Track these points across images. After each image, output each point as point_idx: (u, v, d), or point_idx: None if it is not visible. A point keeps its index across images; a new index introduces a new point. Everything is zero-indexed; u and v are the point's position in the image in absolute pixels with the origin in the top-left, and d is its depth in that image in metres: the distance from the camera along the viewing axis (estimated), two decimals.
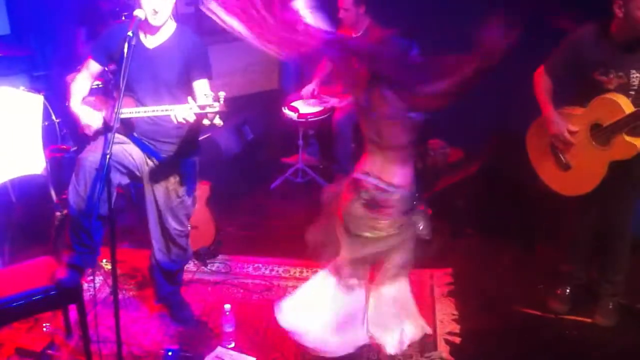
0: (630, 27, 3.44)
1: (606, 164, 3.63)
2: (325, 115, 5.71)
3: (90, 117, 3.53)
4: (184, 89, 3.48)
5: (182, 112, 3.13)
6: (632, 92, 3.53)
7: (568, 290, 4.18)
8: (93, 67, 3.65)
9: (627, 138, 3.55)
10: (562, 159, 3.85)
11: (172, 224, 3.78)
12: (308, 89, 5.92)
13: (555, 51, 3.78)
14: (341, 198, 3.35)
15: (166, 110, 3.25)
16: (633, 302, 4.15)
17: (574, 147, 3.78)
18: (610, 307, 4.03)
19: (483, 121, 5.54)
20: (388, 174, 3.18)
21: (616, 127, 3.56)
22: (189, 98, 3.15)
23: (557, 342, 3.90)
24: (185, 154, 3.70)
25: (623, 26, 3.48)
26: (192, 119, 3.12)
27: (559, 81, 3.80)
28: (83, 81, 3.65)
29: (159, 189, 3.72)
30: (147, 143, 3.62)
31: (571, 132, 3.75)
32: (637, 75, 3.50)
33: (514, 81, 4.18)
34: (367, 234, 3.24)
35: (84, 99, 3.61)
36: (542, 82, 3.82)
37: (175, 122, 3.18)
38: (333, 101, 5.74)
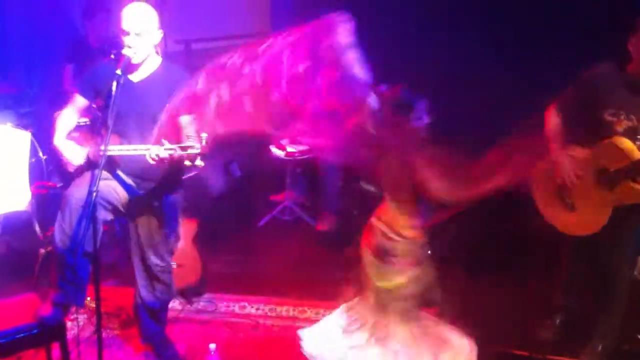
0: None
1: (610, 207, 3.63)
2: (313, 154, 5.72)
3: (73, 153, 3.53)
4: (171, 123, 3.47)
5: (158, 152, 3.13)
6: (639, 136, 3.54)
7: (558, 321, 4.19)
8: (79, 102, 3.65)
9: (632, 184, 3.55)
10: (568, 200, 3.83)
11: (154, 260, 3.76)
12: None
13: (568, 90, 3.80)
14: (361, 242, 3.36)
15: (146, 149, 3.25)
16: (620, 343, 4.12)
17: (580, 190, 3.76)
18: (599, 349, 3.97)
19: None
20: (398, 224, 3.19)
21: (622, 173, 3.56)
22: (163, 140, 3.15)
23: None
24: (168, 190, 3.69)
25: (637, 66, 3.50)
26: (166, 159, 3.13)
27: (569, 119, 3.80)
28: (69, 116, 3.65)
29: (142, 225, 3.70)
30: (129, 181, 3.61)
31: (578, 176, 3.75)
32: None
33: (510, 114, 4.22)
34: (377, 282, 3.23)
35: (68, 134, 3.60)
36: (552, 120, 3.81)
37: (150, 161, 3.17)
38: (318, 142, 5.75)
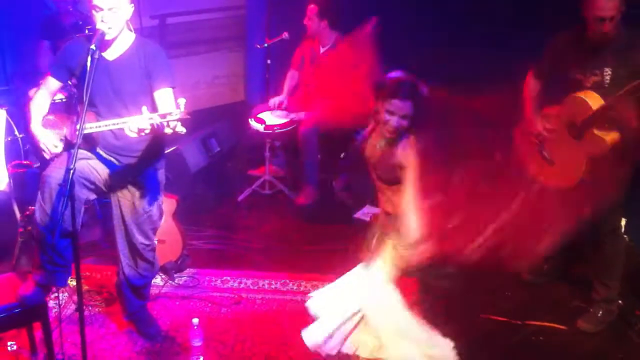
0: (597, 33, 3.65)
1: (584, 159, 3.79)
2: (292, 127, 5.72)
3: (49, 142, 3.50)
4: (147, 100, 3.44)
5: (138, 124, 3.11)
6: (605, 88, 3.71)
7: (545, 267, 4.48)
8: (52, 84, 3.60)
9: (597, 132, 3.72)
10: (545, 155, 4.03)
11: (139, 238, 3.76)
12: (275, 100, 5.93)
13: (542, 56, 4.02)
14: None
15: (124, 122, 3.20)
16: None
17: (554, 144, 3.98)
18: (599, 314, 4.10)
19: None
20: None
21: (587, 123, 3.74)
22: (144, 108, 3.11)
23: (522, 348, 3.95)
24: (149, 166, 3.68)
25: (595, 33, 3.67)
26: (147, 128, 3.11)
27: (546, 83, 4.04)
28: (42, 99, 3.58)
29: (125, 203, 3.70)
30: (110, 158, 3.59)
31: (549, 130, 3.97)
32: (609, 72, 3.69)
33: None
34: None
35: (44, 117, 3.56)
36: (530, 86, 4.08)
37: (130, 134, 3.15)
38: (300, 115, 5.75)
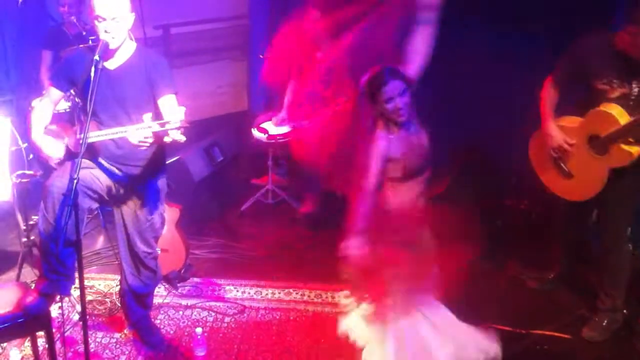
0: (634, 51, 3.57)
1: (606, 171, 3.78)
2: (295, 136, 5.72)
3: (53, 149, 3.50)
4: (149, 108, 3.46)
5: (140, 133, 3.12)
6: (632, 102, 3.66)
7: (551, 276, 4.48)
8: (54, 94, 3.59)
9: (623, 147, 3.69)
10: (564, 168, 4.00)
11: (141, 246, 3.76)
12: (278, 118, 5.92)
13: (561, 62, 3.94)
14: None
15: (125, 132, 3.22)
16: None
17: (574, 157, 3.93)
18: (605, 323, 4.09)
19: (450, 137, 5.61)
20: None
21: (612, 137, 3.70)
22: (145, 116, 3.13)
23: (526, 357, 3.93)
24: (151, 174, 3.69)
25: (628, 48, 3.59)
26: (149, 137, 3.12)
27: (565, 91, 3.97)
28: (44, 109, 3.58)
29: (128, 212, 3.71)
30: (112, 168, 3.60)
31: (569, 144, 3.92)
32: (638, 84, 3.64)
33: (480, 95, 4.28)
34: None
35: (46, 128, 3.56)
36: (548, 94, 3.99)
37: (136, 142, 3.16)
38: (304, 124, 5.75)
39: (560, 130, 3.95)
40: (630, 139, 3.66)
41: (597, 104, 3.74)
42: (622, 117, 3.65)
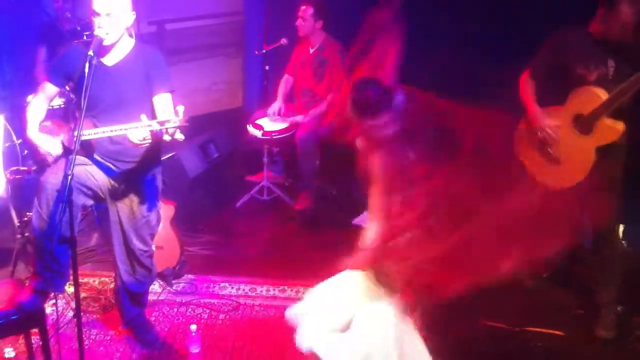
0: (611, 33, 3.70)
1: (593, 150, 3.81)
2: (290, 133, 5.73)
3: (49, 145, 3.47)
4: (147, 105, 3.45)
5: (139, 133, 3.11)
6: (610, 82, 3.73)
7: (546, 275, 4.49)
8: (49, 89, 3.58)
9: (608, 122, 3.74)
10: (551, 153, 4.00)
11: (137, 244, 3.75)
12: (274, 107, 5.94)
13: (539, 55, 4.01)
14: None
15: (124, 129, 3.20)
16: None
17: (560, 140, 3.95)
18: (613, 317, 4.10)
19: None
20: None
21: (597, 113, 3.75)
22: (142, 116, 3.11)
23: (520, 354, 3.95)
24: (147, 171, 3.68)
25: (602, 31, 3.73)
26: (148, 139, 3.11)
27: (543, 83, 4.02)
28: (39, 105, 3.56)
29: (123, 208, 3.69)
30: (107, 164, 3.59)
31: (554, 127, 3.94)
32: (613, 64, 3.73)
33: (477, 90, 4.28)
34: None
35: (40, 124, 3.53)
36: (527, 86, 4.04)
37: (135, 141, 3.15)
38: (298, 118, 5.76)
39: (545, 113, 4.00)
40: (613, 115, 3.72)
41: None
42: (603, 94, 3.73)
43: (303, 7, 5.59)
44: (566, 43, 3.89)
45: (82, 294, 4.28)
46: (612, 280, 4.08)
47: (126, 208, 3.69)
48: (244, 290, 4.60)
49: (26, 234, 4.25)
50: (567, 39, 3.90)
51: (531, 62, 4.05)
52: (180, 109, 3.06)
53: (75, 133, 3.02)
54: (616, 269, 4.08)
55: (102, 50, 3.40)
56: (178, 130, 3.08)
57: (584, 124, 3.83)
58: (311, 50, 5.76)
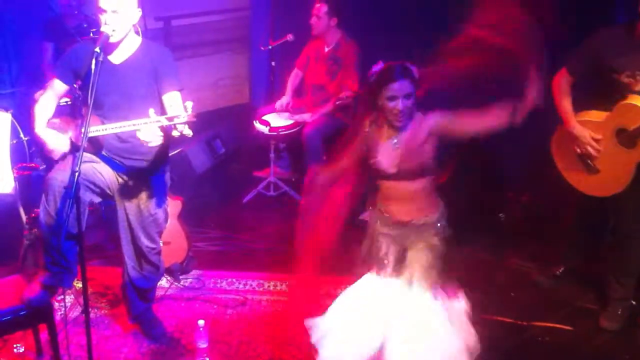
0: None
1: (634, 165, 3.74)
2: (297, 129, 5.72)
3: (57, 142, 3.48)
4: (154, 102, 3.44)
5: (152, 130, 3.11)
6: None
7: (559, 271, 4.47)
8: (58, 86, 3.58)
9: None
10: (590, 164, 3.92)
11: (144, 241, 3.76)
12: (282, 102, 5.95)
13: (575, 56, 3.88)
14: None
15: (133, 125, 3.20)
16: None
17: (601, 152, 3.86)
18: (619, 312, 4.08)
19: None
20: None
21: None
22: (151, 111, 3.11)
23: (527, 349, 3.94)
24: (155, 169, 3.68)
25: None
26: (159, 139, 3.11)
27: (581, 81, 3.89)
28: (47, 102, 3.57)
29: (131, 206, 3.69)
30: (116, 161, 3.60)
31: (596, 141, 3.85)
32: None
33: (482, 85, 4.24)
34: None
35: (49, 121, 3.54)
36: (561, 89, 3.91)
37: (142, 141, 3.15)
38: (305, 117, 5.75)
39: (584, 126, 3.88)
40: None
41: (622, 97, 3.70)
42: None
43: (317, 5, 5.56)
44: (605, 46, 3.70)
45: (90, 290, 4.29)
46: (631, 273, 4.06)
47: (134, 206, 3.69)
48: (251, 285, 4.60)
49: (34, 230, 4.26)
50: (606, 41, 3.71)
51: (567, 61, 3.89)
52: (189, 104, 3.06)
53: (82, 130, 3.03)
54: (637, 262, 4.05)
55: (109, 47, 3.40)
56: (187, 126, 3.09)
57: (628, 138, 3.72)
58: (326, 49, 5.75)
